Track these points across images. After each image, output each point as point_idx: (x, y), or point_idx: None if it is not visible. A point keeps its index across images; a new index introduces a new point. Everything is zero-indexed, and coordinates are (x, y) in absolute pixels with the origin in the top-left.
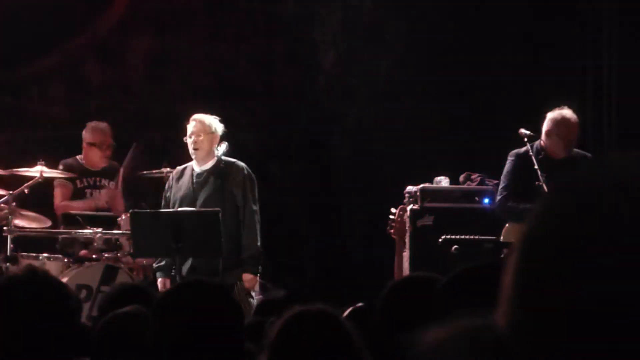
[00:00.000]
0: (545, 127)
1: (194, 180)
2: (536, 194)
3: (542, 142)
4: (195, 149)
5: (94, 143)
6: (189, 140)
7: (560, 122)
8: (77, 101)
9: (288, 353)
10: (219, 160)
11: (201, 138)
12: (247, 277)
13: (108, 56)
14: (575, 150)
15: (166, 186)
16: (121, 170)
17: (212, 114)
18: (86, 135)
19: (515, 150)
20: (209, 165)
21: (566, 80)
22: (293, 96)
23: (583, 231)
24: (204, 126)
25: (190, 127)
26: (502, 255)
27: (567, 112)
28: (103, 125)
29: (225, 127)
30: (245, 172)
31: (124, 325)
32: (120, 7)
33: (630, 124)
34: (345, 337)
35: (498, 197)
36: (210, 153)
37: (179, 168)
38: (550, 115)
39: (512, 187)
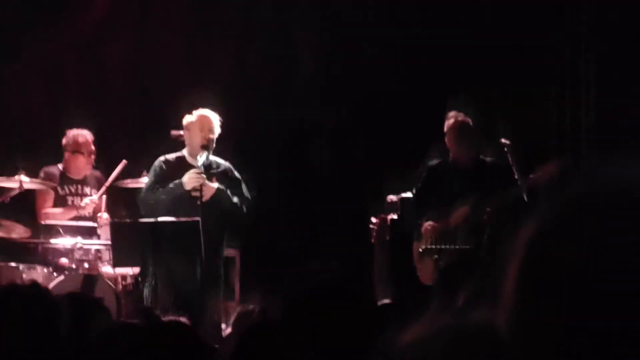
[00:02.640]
0: None
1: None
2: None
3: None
4: (206, 146)
5: (78, 151)
6: (199, 134)
7: (448, 128)
8: (56, 102)
9: None
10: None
11: (214, 137)
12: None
13: (87, 55)
14: (488, 159)
15: (156, 172)
16: (107, 183)
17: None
18: (69, 143)
19: (430, 162)
20: (202, 161)
21: (545, 74)
22: (270, 97)
23: (592, 236)
24: (216, 127)
25: (204, 123)
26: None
27: (452, 117)
28: (85, 132)
29: None
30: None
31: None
32: (101, 5)
33: (607, 119)
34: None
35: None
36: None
37: (169, 157)
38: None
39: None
